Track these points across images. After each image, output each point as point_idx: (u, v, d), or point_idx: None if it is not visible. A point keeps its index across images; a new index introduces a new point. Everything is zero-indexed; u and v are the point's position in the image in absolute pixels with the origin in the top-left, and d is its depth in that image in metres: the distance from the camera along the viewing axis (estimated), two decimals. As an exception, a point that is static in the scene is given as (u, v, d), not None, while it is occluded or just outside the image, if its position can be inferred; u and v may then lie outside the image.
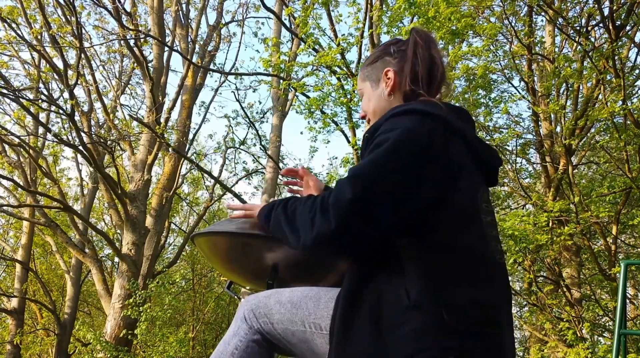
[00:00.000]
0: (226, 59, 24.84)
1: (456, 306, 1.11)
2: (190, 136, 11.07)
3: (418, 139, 1.17)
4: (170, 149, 9.86)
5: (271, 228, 1.31)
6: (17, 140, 9.32)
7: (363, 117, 1.49)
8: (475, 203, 1.25)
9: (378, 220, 1.12)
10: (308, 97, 7.56)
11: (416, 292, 1.10)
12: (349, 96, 6.89)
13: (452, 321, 1.09)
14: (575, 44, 6.43)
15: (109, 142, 10.24)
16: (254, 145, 11.82)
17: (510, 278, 8.22)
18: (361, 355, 1.12)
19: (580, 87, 6.72)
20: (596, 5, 5.69)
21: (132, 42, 8.79)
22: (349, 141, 7.33)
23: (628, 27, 6.21)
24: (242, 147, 11.33)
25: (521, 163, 8.70)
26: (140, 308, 8.13)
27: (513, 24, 6.52)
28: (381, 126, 1.24)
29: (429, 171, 1.16)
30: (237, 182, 11.85)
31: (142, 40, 8.98)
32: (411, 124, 1.20)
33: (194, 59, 10.56)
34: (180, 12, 10.91)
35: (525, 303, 8.35)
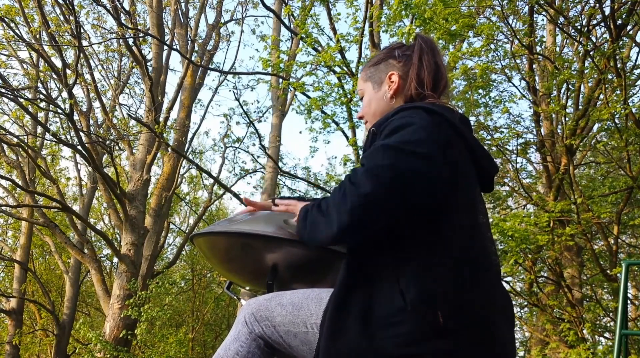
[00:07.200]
0: (225, 58, 25.01)
1: (453, 309, 1.10)
2: (190, 136, 11.05)
3: (430, 132, 1.17)
4: (169, 149, 9.83)
5: (308, 227, 1.24)
6: (15, 140, 9.29)
7: (361, 118, 1.48)
8: (473, 204, 1.25)
9: (393, 209, 1.11)
10: (308, 97, 7.54)
11: (413, 294, 1.10)
12: (349, 96, 6.87)
13: (448, 324, 1.09)
14: (576, 44, 6.41)
15: (107, 142, 10.21)
16: (253, 144, 11.82)
17: (511, 279, 8.23)
18: (349, 351, 1.12)
19: (582, 87, 6.70)
20: (597, 5, 5.67)
21: (131, 41, 8.76)
22: (348, 140, 7.30)
23: (629, 27, 6.19)
24: (241, 146, 11.32)
25: (522, 162, 8.68)
26: (140, 308, 8.10)
27: (513, 24, 6.50)
28: (389, 119, 1.24)
29: (441, 160, 1.15)
30: (236, 181, 11.84)
31: (141, 39, 8.95)
32: (419, 119, 1.19)
33: (193, 58, 10.53)
34: (180, 10, 10.89)
35: (526, 303, 8.33)
